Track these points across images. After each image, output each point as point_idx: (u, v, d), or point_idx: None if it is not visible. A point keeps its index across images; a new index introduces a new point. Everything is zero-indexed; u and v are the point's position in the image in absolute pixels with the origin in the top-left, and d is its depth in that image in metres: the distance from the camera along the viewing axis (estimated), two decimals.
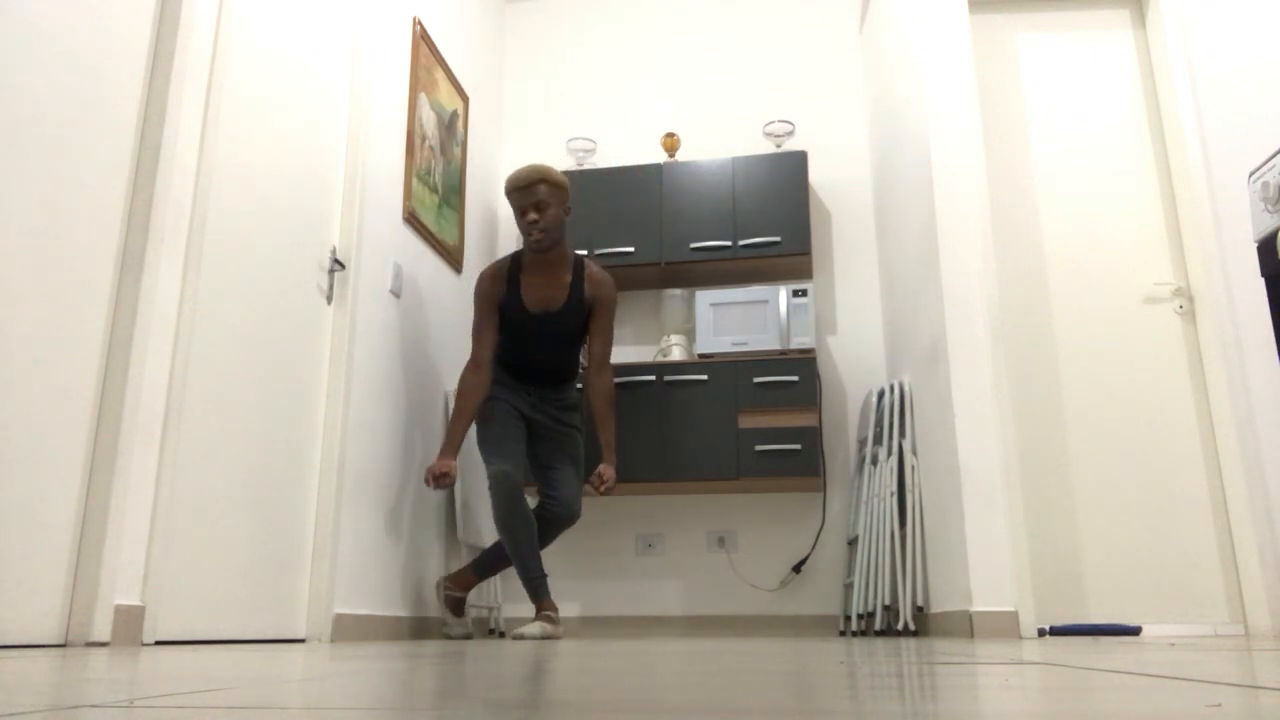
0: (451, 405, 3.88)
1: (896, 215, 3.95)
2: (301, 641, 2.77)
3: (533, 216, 3.18)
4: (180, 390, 2.27)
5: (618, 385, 3.98)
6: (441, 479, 3.13)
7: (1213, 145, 3.29)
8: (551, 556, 4.29)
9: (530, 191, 3.19)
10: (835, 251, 4.50)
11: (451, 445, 3.17)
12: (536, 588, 3.14)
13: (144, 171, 2.24)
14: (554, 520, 3.32)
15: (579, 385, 3.60)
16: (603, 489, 3.29)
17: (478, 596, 4.02)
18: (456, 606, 3.43)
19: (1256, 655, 1.42)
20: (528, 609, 4.13)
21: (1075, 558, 3.19)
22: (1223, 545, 3.15)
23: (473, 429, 3.94)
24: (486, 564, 3.38)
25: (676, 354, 4.15)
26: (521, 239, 3.29)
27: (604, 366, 3.35)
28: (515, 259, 3.36)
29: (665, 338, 4.21)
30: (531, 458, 3.42)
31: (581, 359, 3.72)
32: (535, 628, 3.06)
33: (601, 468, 3.32)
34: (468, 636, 3.45)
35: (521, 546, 3.13)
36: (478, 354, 3.28)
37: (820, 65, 4.76)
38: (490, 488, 3.17)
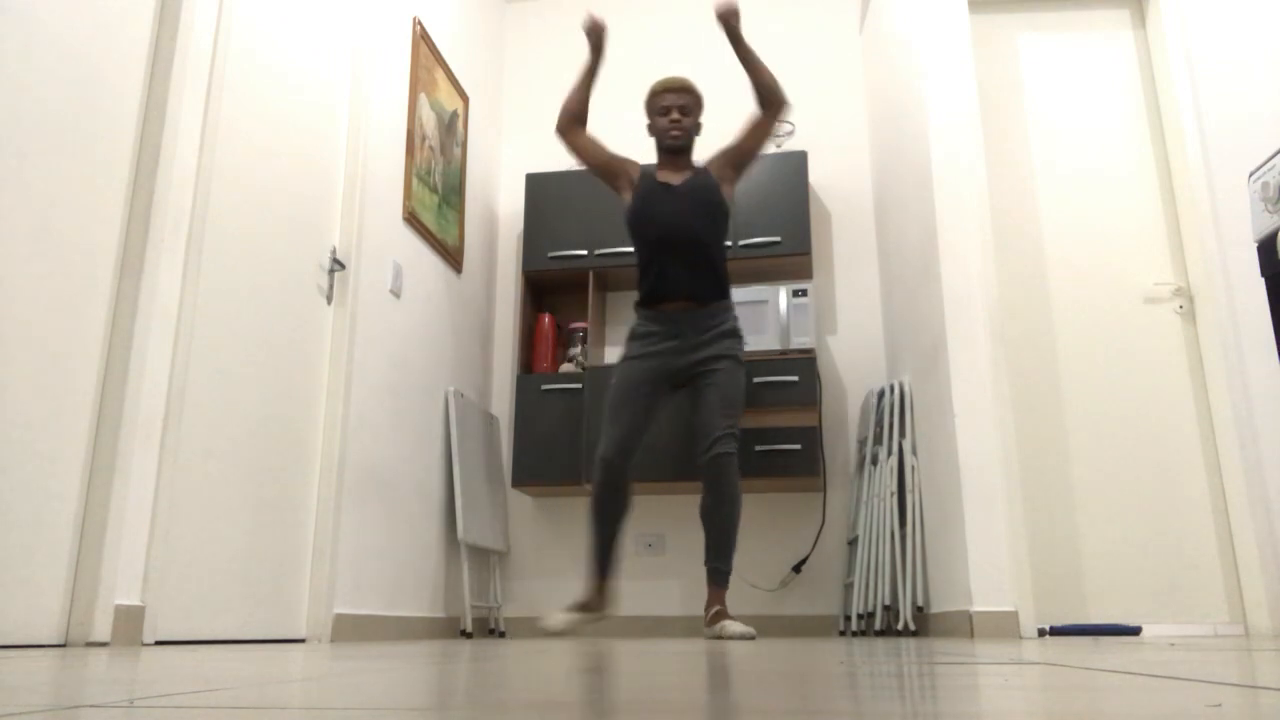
0: (453, 404, 3.89)
1: (896, 215, 3.95)
2: (301, 641, 2.77)
3: (675, 116, 3.23)
4: (180, 390, 2.27)
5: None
6: (597, 28, 3.18)
7: (1213, 145, 3.29)
8: (553, 556, 4.29)
9: (680, 94, 3.25)
10: (835, 251, 4.49)
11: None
12: (600, 568, 3.01)
13: (144, 171, 2.24)
14: (708, 485, 2.99)
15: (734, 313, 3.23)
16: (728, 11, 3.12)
17: (479, 596, 4.02)
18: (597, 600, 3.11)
19: (1256, 655, 1.42)
20: (528, 609, 4.12)
21: (1075, 558, 3.19)
22: (1223, 545, 3.15)
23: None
24: (601, 559, 3.08)
25: None
26: (657, 142, 3.28)
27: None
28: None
29: None
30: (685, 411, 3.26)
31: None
32: (559, 620, 2.93)
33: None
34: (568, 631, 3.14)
35: (601, 534, 2.99)
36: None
37: (820, 65, 4.76)
38: (596, 465, 3.03)
